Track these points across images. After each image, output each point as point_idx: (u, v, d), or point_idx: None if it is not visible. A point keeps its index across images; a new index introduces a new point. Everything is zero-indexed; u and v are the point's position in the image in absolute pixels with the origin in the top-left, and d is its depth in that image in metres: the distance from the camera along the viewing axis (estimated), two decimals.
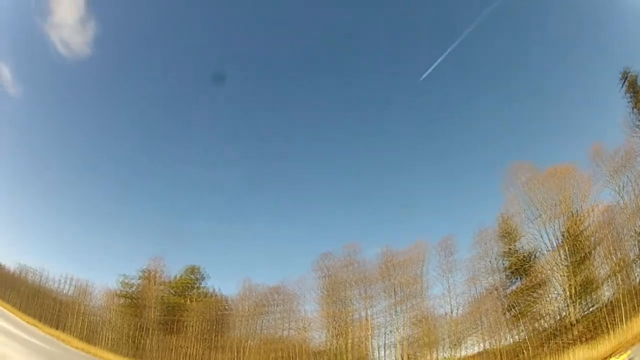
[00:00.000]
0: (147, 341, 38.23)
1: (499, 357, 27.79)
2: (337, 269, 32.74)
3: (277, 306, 34.74)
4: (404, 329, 30.74)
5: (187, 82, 68.15)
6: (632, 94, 28.31)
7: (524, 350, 26.63)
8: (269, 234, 57.67)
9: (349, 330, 32.14)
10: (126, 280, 39.57)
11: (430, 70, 44.18)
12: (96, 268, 61.86)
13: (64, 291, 42.97)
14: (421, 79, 46.83)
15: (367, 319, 31.72)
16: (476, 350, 29.63)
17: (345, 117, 61.62)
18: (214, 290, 39.86)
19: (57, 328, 41.39)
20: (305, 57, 63.07)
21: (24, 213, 65.84)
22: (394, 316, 30.99)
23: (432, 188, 56.75)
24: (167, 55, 70.25)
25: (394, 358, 31.28)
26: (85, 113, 71.91)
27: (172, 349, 37.45)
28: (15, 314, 42.24)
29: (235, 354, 35.56)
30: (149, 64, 70.22)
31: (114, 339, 39.73)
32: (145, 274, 39.54)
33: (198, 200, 64.33)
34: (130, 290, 39.39)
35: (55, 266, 51.21)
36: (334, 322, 32.77)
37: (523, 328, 27.84)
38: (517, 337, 28.06)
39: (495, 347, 28.66)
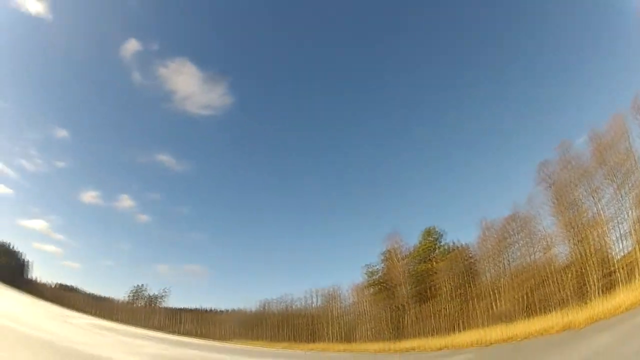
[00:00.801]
0: (406, 317, 42.51)
1: None
2: (558, 173, 34.99)
3: (517, 234, 37.36)
4: (632, 212, 32.09)
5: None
6: None
7: None
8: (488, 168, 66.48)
9: (587, 233, 34.31)
10: (370, 269, 44.87)
11: None
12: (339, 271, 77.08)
13: (312, 305, 48.98)
14: None
15: (599, 214, 34.04)
16: None
17: None
18: (454, 243, 42.56)
19: (313, 342, 46.63)
20: None
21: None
22: (620, 202, 32.99)
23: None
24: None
25: (630, 247, 31.93)
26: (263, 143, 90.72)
27: (431, 315, 41.22)
28: (265, 346, 48.07)
29: (491, 296, 38.40)
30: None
31: (372, 328, 44.20)
32: (387, 255, 43.85)
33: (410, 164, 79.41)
34: (377, 277, 44.61)
35: (298, 287, 58.30)
36: (572, 230, 37.14)
37: None
38: None
39: None
